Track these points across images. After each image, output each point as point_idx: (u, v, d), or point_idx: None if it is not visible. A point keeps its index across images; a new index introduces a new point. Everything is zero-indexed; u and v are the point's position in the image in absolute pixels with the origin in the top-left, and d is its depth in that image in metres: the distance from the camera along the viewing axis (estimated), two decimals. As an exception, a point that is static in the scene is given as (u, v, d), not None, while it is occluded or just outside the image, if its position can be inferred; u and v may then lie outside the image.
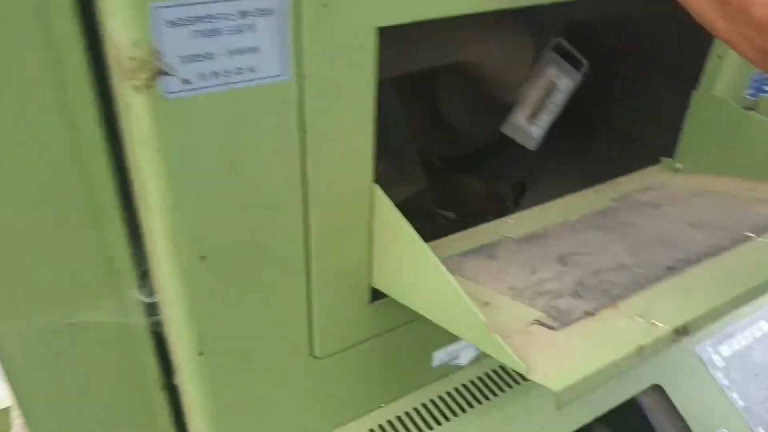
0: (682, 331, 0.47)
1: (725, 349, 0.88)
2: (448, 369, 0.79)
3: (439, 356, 0.76)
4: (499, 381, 0.79)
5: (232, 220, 0.49)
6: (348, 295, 0.62)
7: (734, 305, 0.51)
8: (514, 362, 0.44)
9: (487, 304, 0.54)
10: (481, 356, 0.81)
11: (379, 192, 0.55)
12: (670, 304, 0.51)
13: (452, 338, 0.76)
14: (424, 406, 0.76)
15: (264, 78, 0.45)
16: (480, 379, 0.79)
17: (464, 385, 0.78)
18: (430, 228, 0.79)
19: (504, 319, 0.51)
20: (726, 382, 0.85)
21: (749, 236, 0.62)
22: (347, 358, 0.67)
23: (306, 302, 0.60)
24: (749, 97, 0.89)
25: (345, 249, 0.58)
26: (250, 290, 0.55)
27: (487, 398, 0.77)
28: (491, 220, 0.76)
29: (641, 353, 0.45)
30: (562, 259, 0.62)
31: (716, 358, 0.87)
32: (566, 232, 0.68)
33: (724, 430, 0.80)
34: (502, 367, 0.81)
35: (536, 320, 0.50)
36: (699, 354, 0.86)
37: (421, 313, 0.56)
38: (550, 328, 0.49)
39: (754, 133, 0.79)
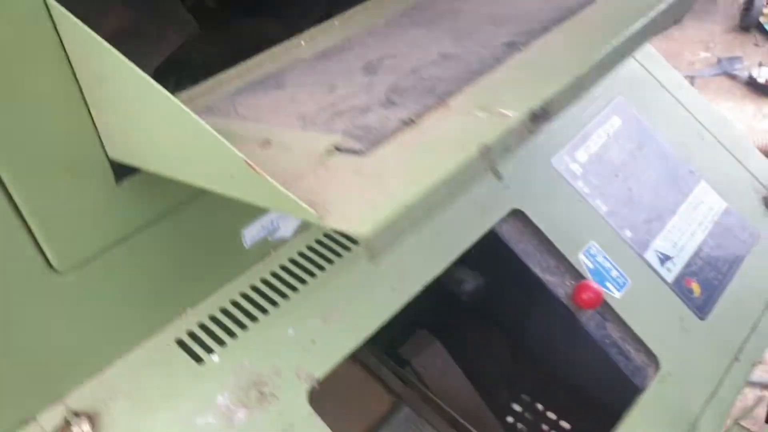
0: (540, 115, 0.32)
1: (582, 155, 0.78)
2: (269, 245, 0.62)
3: (252, 233, 0.59)
4: (336, 246, 0.64)
5: None
6: (71, 177, 0.41)
7: (599, 72, 0.37)
8: (298, 208, 0.27)
9: (267, 143, 0.36)
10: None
11: (59, 9, 0.34)
12: (519, 87, 0.35)
13: (260, 208, 0.58)
14: (246, 296, 0.59)
15: None
16: (311, 248, 0.63)
17: (293, 260, 0.62)
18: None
19: (292, 158, 0.34)
20: (587, 190, 0.75)
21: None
22: (114, 260, 0.48)
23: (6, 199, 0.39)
24: None
25: (36, 111, 0.37)
26: None
27: (322, 268, 0.62)
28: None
29: (487, 156, 0.30)
30: (369, 68, 0.44)
31: (574, 167, 0.77)
32: (373, 38, 0.51)
33: (593, 242, 0.72)
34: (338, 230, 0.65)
35: (335, 147, 0.33)
36: (556, 166, 0.76)
37: (173, 176, 0.37)
38: (354, 152, 0.33)
39: None
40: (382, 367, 1.02)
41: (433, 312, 1.17)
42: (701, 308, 0.73)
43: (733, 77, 2.93)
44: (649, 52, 0.93)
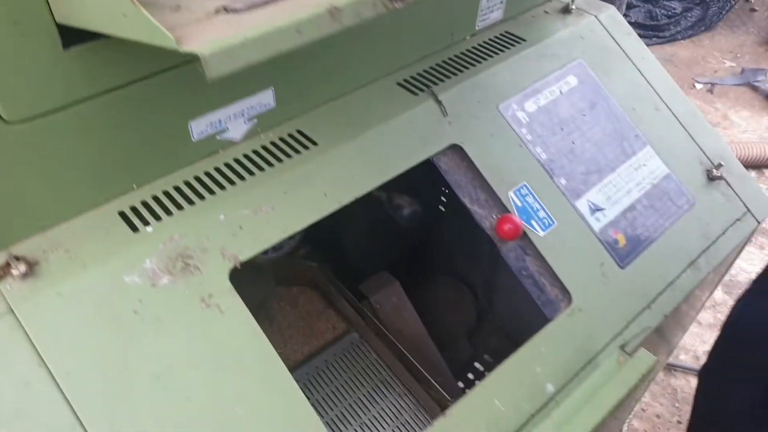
0: (395, -5, 0.37)
1: (530, 106, 0.83)
2: (218, 145, 0.68)
3: (199, 127, 0.65)
4: (278, 152, 0.70)
5: None
6: (19, 33, 0.48)
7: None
8: (162, 36, 0.33)
9: (177, 8, 0.42)
10: (258, 128, 0.70)
11: None
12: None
13: (208, 104, 0.64)
14: (188, 183, 0.65)
15: None
16: (257, 152, 0.70)
17: (237, 160, 0.68)
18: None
19: (188, 16, 0.40)
20: (529, 137, 0.80)
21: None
22: (63, 123, 0.55)
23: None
24: None
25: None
26: None
27: (262, 169, 0.68)
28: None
29: (335, 16, 0.35)
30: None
31: (521, 115, 0.81)
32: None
33: (526, 183, 0.77)
34: (284, 140, 0.71)
35: (223, 7, 0.39)
36: (502, 112, 0.80)
37: (100, 30, 0.43)
38: (235, 11, 0.38)
39: None
40: (340, 297, 1.09)
41: (404, 265, 1.24)
42: (623, 258, 0.78)
43: (755, 89, 2.91)
44: (619, 22, 0.97)
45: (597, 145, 0.83)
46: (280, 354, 1.00)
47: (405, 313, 1.12)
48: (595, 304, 0.74)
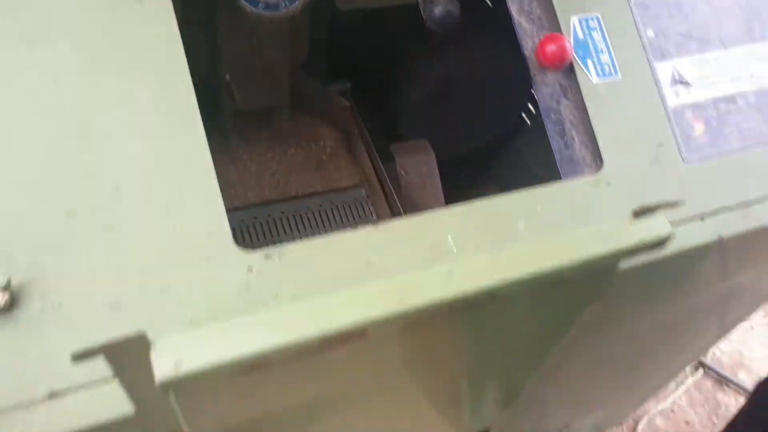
0: None
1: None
2: None
3: None
4: None
5: None
6: None
7: None
8: None
9: None
10: None
11: None
12: None
13: None
14: None
15: None
16: None
17: None
18: None
19: None
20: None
21: None
22: None
23: None
24: None
25: None
26: None
27: None
28: None
29: None
30: None
31: (626, -62, 0.62)
32: None
33: (598, 14, 0.59)
34: None
35: None
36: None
37: None
38: None
39: None
40: (362, 147, 0.96)
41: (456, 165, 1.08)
42: (692, 151, 0.59)
43: None
44: None
45: (716, 11, 0.63)
46: (274, 181, 0.89)
47: (430, 190, 0.97)
48: (630, 186, 0.56)
